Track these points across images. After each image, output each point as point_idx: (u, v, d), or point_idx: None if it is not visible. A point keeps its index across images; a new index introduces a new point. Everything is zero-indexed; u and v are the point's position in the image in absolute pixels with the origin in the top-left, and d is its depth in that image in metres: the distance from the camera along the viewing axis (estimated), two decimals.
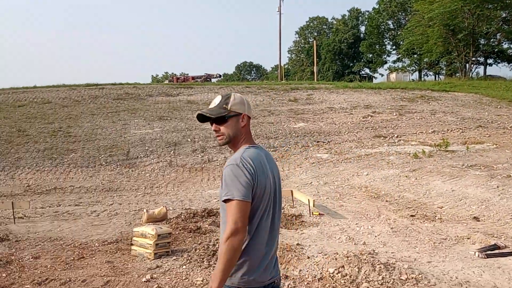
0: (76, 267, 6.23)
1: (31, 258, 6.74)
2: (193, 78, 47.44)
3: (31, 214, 10.27)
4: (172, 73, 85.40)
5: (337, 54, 68.44)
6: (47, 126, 20.87)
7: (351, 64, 69.38)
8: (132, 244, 6.93)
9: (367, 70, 69.93)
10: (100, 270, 6.02)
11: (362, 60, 67.82)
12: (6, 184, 14.14)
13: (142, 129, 20.54)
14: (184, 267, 5.97)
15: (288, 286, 5.06)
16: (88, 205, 11.19)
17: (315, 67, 49.18)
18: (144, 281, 5.43)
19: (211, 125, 2.57)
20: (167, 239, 6.64)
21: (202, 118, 2.58)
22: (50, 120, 21.93)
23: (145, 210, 9.34)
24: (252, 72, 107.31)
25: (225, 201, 2.33)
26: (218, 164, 16.06)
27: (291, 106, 24.98)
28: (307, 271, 5.69)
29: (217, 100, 2.58)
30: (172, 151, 17.46)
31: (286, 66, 78.10)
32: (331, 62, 68.56)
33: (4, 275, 5.94)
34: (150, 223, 8.26)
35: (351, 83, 36.88)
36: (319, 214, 9.29)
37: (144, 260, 6.44)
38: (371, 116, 21.90)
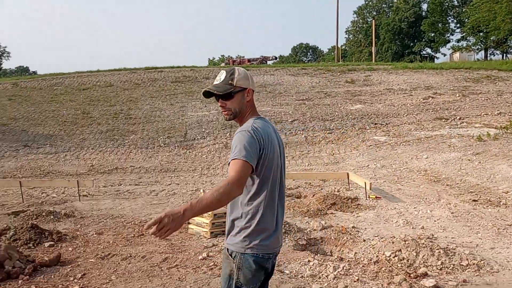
0: (136, 243, 6.46)
1: (95, 233, 7.06)
2: (249, 60, 47.50)
3: (94, 193, 10.73)
4: (229, 56, 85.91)
5: (396, 34, 66.16)
6: (109, 108, 21.65)
7: (411, 44, 66.90)
8: (189, 223, 7.08)
9: (429, 50, 67.18)
10: (159, 247, 6.20)
11: (424, 40, 65.18)
12: (72, 164, 14.85)
13: (199, 111, 20.87)
14: None
15: (343, 268, 5.00)
16: (148, 185, 11.55)
17: (373, 48, 47.78)
18: (201, 259, 5.54)
19: (217, 101, 2.60)
20: (223, 219, 6.73)
21: (208, 94, 2.60)
22: (112, 102, 22.74)
23: (201, 190, 9.51)
24: (308, 53, 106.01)
25: (232, 161, 2.34)
26: None
27: (348, 87, 24.49)
28: (363, 254, 5.60)
29: (222, 75, 2.59)
30: (228, 133, 17.64)
31: (343, 47, 76.48)
32: (390, 42, 66.41)
33: (70, 249, 6.26)
34: None
35: (411, 63, 35.57)
36: (376, 197, 9.09)
37: (201, 238, 6.57)
38: (432, 97, 21.06)
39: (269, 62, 47.94)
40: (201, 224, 6.73)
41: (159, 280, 4.86)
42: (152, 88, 25.57)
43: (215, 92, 2.55)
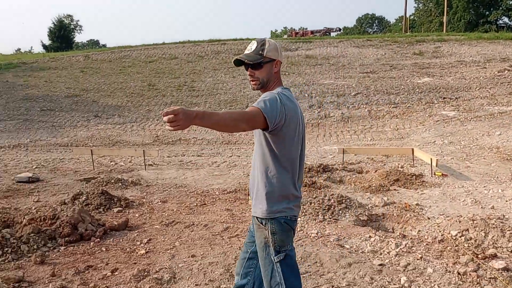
0: (199, 212, 6.65)
1: (160, 201, 7.33)
2: (312, 32, 46.65)
3: (159, 162, 11.10)
4: (291, 27, 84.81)
5: (471, 2, 62.17)
6: (173, 80, 22.14)
7: (487, 13, 62.69)
8: (249, 194, 7.18)
9: (506, 19, 62.73)
10: (220, 216, 6.35)
11: (501, 8, 60.83)
12: (138, 134, 15.41)
13: None
14: (299, 219, 6.06)
15: (405, 245, 4.89)
16: (209, 156, 11.78)
17: (444, 17, 45.36)
18: None
19: (247, 70, 2.67)
20: None
21: (238, 62, 2.66)
22: (176, 75, 23.22)
23: None
24: (374, 24, 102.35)
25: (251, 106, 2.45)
26: (335, 120, 15.82)
27: (415, 59, 23.52)
28: (427, 232, 5.44)
29: (253, 46, 2.66)
30: None
31: (411, 17, 73.11)
32: (464, 11, 62.55)
33: (137, 215, 6.55)
34: None
35: (486, 34, 33.44)
36: (442, 174, 8.76)
37: None
38: (508, 70, 19.77)
39: (332, 34, 46.88)
40: None
41: (220, 249, 4.98)
42: (215, 61, 25.83)
43: (246, 61, 2.61)
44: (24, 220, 5.73)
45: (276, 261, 2.57)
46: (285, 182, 2.58)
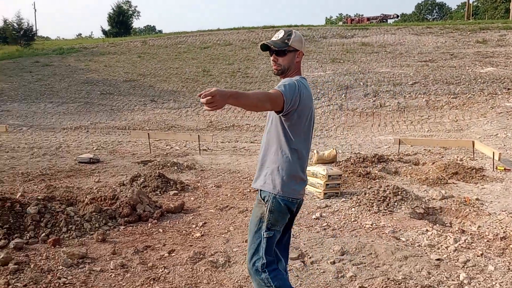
0: (252, 198, 6.71)
1: (214, 186, 7.46)
2: (368, 19, 45.49)
3: (213, 148, 11.28)
4: (347, 14, 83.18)
5: None
6: (227, 67, 22.32)
7: None
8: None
9: None
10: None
11: None
12: (193, 119, 15.70)
13: (314, 71, 20.66)
14: (353, 209, 5.99)
15: (465, 241, 4.73)
16: None
17: (511, 4, 42.96)
18: (314, 218, 5.60)
19: (271, 55, 2.84)
20: (337, 181, 6.71)
21: (265, 47, 2.82)
22: (230, 61, 23.38)
23: (315, 151, 9.51)
24: (434, 11, 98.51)
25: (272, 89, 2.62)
26: (390, 109, 15.46)
27: (478, 48, 22.49)
28: (487, 228, 5.24)
29: (280, 34, 2.83)
30: (343, 95, 17.30)
31: (475, 3, 69.81)
32: None
33: (192, 198, 6.69)
34: (320, 164, 8.40)
35: None
36: (505, 169, 8.38)
37: (314, 198, 6.63)
38: None
39: (389, 21, 45.52)
40: (315, 184, 6.77)
41: None
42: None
43: (271, 46, 2.79)
44: (86, 199, 6.00)
45: (264, 236, 2.75)
46: (294, 163, 2.73)
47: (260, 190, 2.80)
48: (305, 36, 27.58)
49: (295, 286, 3.76)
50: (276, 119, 2.74)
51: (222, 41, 28.39)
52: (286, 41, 2.78)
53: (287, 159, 2.71)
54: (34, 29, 39.51)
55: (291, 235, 4.95)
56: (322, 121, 15.10)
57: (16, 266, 4.07)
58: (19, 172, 8.68)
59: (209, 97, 2.19)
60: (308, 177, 6.90)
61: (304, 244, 4.70)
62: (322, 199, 6.54)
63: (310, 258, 4.33)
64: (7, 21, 39.38)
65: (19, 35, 36.91)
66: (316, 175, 6.77)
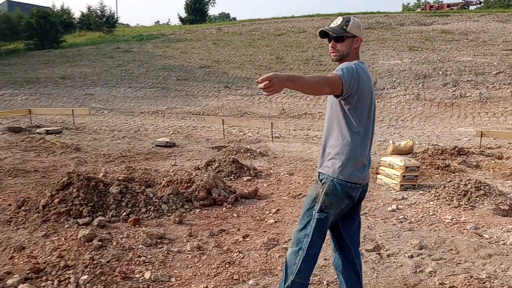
0: None
1: (286, 173, 7.47)
2: (448, 5, 43.17)
3: (285, 135, 11.28)
4: (425, 1, 79.41)
5: None
6: (301, 54, 22.16)
7: None
8: (378, 173, 7.00)
9: None
10: None
11: None
12: (265, 107, 15.78)
13: (390, 59, 20.01)
14: (431, 203, 5.77)
15: None
16: None
17: None
18: (390, 210, 5.45)
19: (329, 41, 2.84)
20: (414, 172, 6.48)
21: (323, 34, 2.82)
22: (304, 48, 23.18)
23: (391, 142, 9.25)
24: None
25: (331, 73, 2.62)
26: (471, 100, 14.67)
27: None
28: None
29: (338, 21, 2.83)
30: (420, 84, 16.63)
31: None
32: None
33: (265, 185, 6.75)
34: (396, 155, 8.16)
35: None
36: None
37: (389, 190, 6.45)
38: None
39: (471, 7, 42.98)
40: (391, 175, 6.59)
41: None
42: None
43: (330, 33, 2.79)
44: (163, 181, 6.23)
45: (315, 217, 2.73)
46: (355, 148, 2.69)
47: (319, 172, 2.80)
48: (381, 23, 26.77)
49: (371, 278, 3.69)
50: (336, 103, 2.73)
51: (296, 29, 28.19)
52: (344, 27, 2.79)
53: (348, 142, 2.69)
54: (115, 16, 41.31)
55: (367, 226, 4.87)
56: (397, 111, 14.63)
57: (99, 243, 4.30)
58: (101, 153, 9.17)
59: (267, 82, 2.23)
60: (384, 168, 6.78)
61: (380, 236, 4.60)
62: (398, 190, 6.35)
63: (386, 250, 4.23)
64: (91, 8, 41.52)
65: (102, 22, 38.79)
66: (393, 166, 6.58)
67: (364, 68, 2.73)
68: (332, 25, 2.85)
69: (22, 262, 3.90)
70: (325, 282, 3.62)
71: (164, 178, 6.53)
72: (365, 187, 2.85)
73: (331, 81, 2.50)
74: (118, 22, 42.80)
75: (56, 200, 5.20)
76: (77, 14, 44.74)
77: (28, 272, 3.63)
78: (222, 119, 11.23)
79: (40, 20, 29.99)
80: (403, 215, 5.30)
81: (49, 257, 3.96)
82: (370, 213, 5.40)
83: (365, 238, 4.50)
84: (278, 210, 5.54)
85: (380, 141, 10.57)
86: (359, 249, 2.99)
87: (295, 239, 2.81)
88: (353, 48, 2.82)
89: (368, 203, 5.76)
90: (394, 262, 3.99)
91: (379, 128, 12.56)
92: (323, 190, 2.71)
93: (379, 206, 5.66)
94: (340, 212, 2.78)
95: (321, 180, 2.75)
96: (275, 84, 2.25)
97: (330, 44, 2.84)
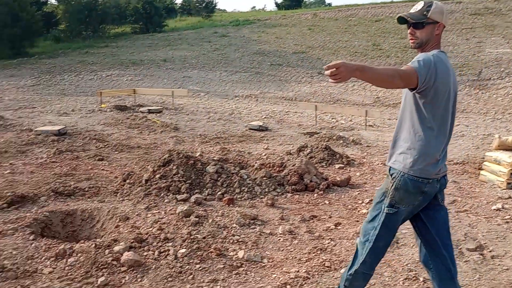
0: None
1: (380, 163, 7.23)
2: None
3: (380, 124, 10.94)
4: None
5: None
6: (399, 41, 21.29)
7: None
8: (481, 169, 6.56)
9: None
10: (446, 188, 5.95)
11: None
12: (359, 94, 15.42)
13: (499, 47, 18.58)
14: None
15: None
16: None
17: None
18: (494, 209, 5.08)
19: (408, 28, 2.67)
20: None
21: (402, 20, 2.68)
22: (403, 35, 22.20)
23: (497, 136, 8.56)
24: None
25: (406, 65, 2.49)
26: None
27: None
28: None
29: (419, 6, 2.65)
30: None
31: None
32: None
33: (357, 174, 6.59)
34: (502, 150, 7.57)
35: None
36: None
37: (494, 187, 6.02)
38: None
39: None
40: (496, 172, 6.13)
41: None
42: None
43: (408, 19, 2.63)
44: (256, 164, 6.33)
45: (385, 211, 2.63)
46: (428, 143, 2.55)
47: (390, 167, 2.68)
48: (490, 8, 24.86)
49: (472, 279, 3.48)
50: (410, 96, 2.58)
51: (395, 14, 27.01)
52: (425, 13, 2.60)
53: (420, 138, 2.56)
54: (214, 2, 42.41)
55: (468, 224, 4.58)
56: (504, 103, 13.59)
57: (196, 219, 4.47)
58: (198, 133, 9.52)
59: (333, 69, 2.15)
60: (489, 164, 6.33)
61: (483, 236, 4.30)
62: (504, 189, 5.90)
63: (490, 251, 3.95)
64: None
65: (201, 7, 40.05)
66: (500, 162, 6.12)
67: (444, 59, 2.57)
68: (412, 11, 2.69)
69: (126, 231, 4.17)
70: (421, 279, 3.47)
71: (257, 161, 6.64)
72: (441, 180, 2.68)
73: (405, 75, 2.39)
74: (216, 7, 43.88)
75: (157, 176, 5.49)
76: (178, 0, 46.53)
77: (132, 241, 3.87)
78: (315, 105, 11.13)
79: (146, 5, 31.60)
80: (509, 215, 4.91)
81: (151, 229, 4.19)
82: (472, 210, 5.08)
83: (466, 237, 4.24)
84: (371, 200, 5.38)
85: (483, 135, 9.89)
86: (451, 243, 2.76)
87: (363, 230, 2.75)
88: (434, 35, 2.64)
89: (470, 200, 5.42)
90: (499, 264, 3.72)
91: (483, 121, 11.76)
92: (393, 184, 2.60)
93: (482, 204, 5.30)
94: (413, 209, 2.66)
95: (391, 175, 2.65)
96: (342, 72, 2.18)
97: (408, 31, 2.68)
